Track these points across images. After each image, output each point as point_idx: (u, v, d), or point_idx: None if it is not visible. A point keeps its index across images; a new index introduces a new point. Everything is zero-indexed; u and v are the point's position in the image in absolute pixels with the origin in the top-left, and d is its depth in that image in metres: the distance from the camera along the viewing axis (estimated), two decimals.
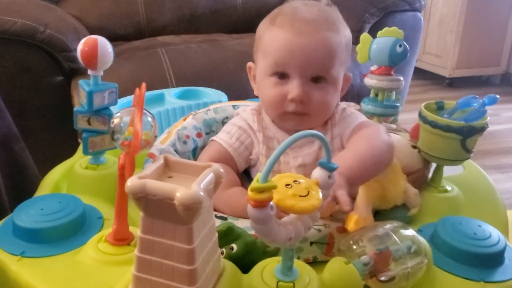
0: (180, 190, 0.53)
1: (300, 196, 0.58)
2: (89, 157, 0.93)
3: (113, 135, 0.69)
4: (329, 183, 0.63)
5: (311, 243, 0.80)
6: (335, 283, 0.66)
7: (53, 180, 0.97)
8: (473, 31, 3.71)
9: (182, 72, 1.81)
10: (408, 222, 0.87)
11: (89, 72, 0.87)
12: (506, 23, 3.81)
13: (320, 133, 0.61)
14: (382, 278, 0.68)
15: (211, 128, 1.10)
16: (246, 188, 0.90)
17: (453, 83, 3.86)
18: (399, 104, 1.22)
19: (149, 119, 0.68)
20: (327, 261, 0.70)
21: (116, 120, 0.68)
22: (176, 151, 1.00)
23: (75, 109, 0.89)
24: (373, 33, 1.21)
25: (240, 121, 1.02)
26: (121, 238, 0.73)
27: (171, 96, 1.40)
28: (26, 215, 0.78)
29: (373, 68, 1.20)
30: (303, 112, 0.93)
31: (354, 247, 0.71)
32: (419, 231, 0.83)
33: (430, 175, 0.98)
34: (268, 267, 0.66)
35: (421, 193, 0.90)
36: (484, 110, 0.87)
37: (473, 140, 0.88)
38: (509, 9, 3.77)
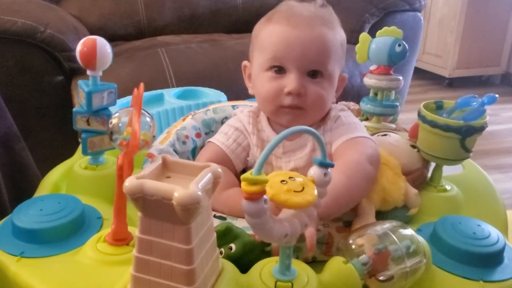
0: (178, 190, 0.53)
1: (295, 191, 0.58)
2: (89, 157, 0.93)
3: (112, 135, 0.69)
4: (325, 181, 0.63)
5: None
6: (334, 282, 0.66)
7: (53, 180, 0.97)
8: (473, 31, 3.71)
9: (182, 72, 1.81)
10: (408, 221, 0.87)
11: (88, 72, 0.87)
12: (506, 23, 3.81)
13: (314, 130, 0.61)
14: (381, 278, 0.68)
15: (210, 128, 1.10)
16: None
17: (453, 83, 3.86)
18: (398, 104, 1.22)
19: (147, 119, 0.68)
20: (326, 261, 0.70)
21: (114, 121, 0.68)
22: (175, 151, 1.00)
23: (74, 109, 0.90)
24: (373, 33, 1.21)
25: (237, 122, 1.02)
26: (120, 238, 0.73)
27: (170, 96, 1.40)
28: (25, 215, 0.79)
29: (372, 67, 1.20)
30: (299, 106, 0.93)
31: (353, 246, 0.71)
32: (418, 231, 0.83)
33: (429, 174, 0.98)
34: (267, 267, 0.66)
35: (420, 193, 0.90)
36: (483, 109, 0.87)
37: (472, 139, 0.88)
38: (509, 9, 3.76)
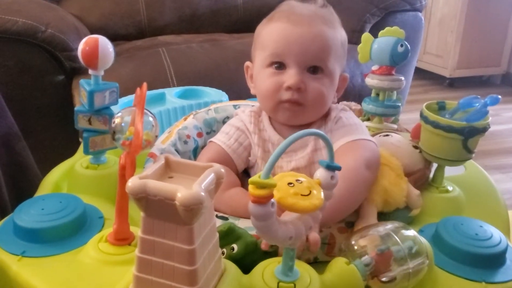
0: (181, 191, 0.53)
1: (301, 195, 0.57)
2: (90, 156, 0.93)
3: (114, 135, 0.68)
4: (331, 184, 0.63)
5: None
6: (336, 283, 0.66)
7: (54, 179, 0.97)
8: (474, 31, 3.70)
9: (183, 71, 1.80)
10: (410, 222, 0.87)
11: (90, 71, 0.86)
12: (507, 23, 3.81)
13: (323, 133, 0.61)
14: (383, 279, 0.68)
15: (211, 127, 1.10)
16: (246, 188, 0.91)
17: (453, 83, 3.86)
18: (400, 104, 1.22)
19: (150, 119, 0.68)
20: (328, 262, 0.70)
21: (117, 120, 0.68)
22: (177, 150, 1.00)
23: (76, 108, 0.89)
24: (374, 33, 1.21)
25: (238, 122, 1.02)
26: (122, 238, 0.73)
27: (171, 95, 1.39)
28: (26, 215, 0.78)
29: (374, 68, 1.20)
30: (298, 102, 0.92)
31: (355, 247, 0.71)
32: (420, 232, 0.83)
33: (431, 175, 0.97)
34: (269, 268, 0.66)
35: (422, 193, 0.90)
36: (486, 110, 0.86)
37: (474, 140, 0.87)
38: (509, 9, 3.76)
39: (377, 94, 1.21)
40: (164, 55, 1.87)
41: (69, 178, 0.96)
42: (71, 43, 1.69)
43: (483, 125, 0.86)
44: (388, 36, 1.16)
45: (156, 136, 0.69)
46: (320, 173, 0.62)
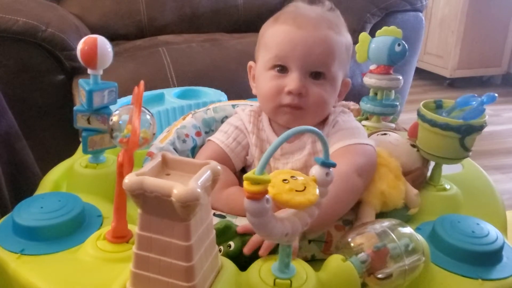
0: (177, 187, 0.54)
1: (296, 191, 0.58)
2: (89, 156, 0.94)
3: (112, 132, 0.69)
4: (326, 181, 0.63)
5: (310, 241, 0.81)
6: (333, 280, 0.66)
7: (53, 178, 0.97)
8: (475, 32, 3.70)
9: (183, 71, 1.81)
10: (407, 220, 0.87)
11: (89, 71, 0.87)
12: (508, 23, 3.80)
13: (318, 130, 0.61)
14: (380, 276, 0.68)
15: (210, 127, 1.10)
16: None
17: (454, 84, 3.86)
18: (398, 103, 1.22)
19: (148, 117, 0.68)
20: (325, 259, 0.70)
21: (114, 118, 0.69)
22: (175, 149, 1.00)
23: (75, 108, 0.90)
24: (374, 33, 1.21)
25: (237, 121, 1.02)
26: (120, 236, 0.73)
27: (170, 96, 1.40)
28: (25, 213, 0.79)
29: (372, 67, 1.20)
30: (299, 106, 0.92)
31: (352, 244, 0.71)
32: (418, 229, 0.83)
33: (428, 173, 0.98)
34: (266, 265, 0.66)
35: (419, 192, 0.90)
36: (482, 108, 0.87)
37: (471, 138, 0.88)
38: (510, 10, 3.76)
39: (375, 94, 1.22)
40: (164, 54, 1.87)
41: (69, 177, 0.96)
42: (71, 43, 1.69)
43: (480, 123, 0.87)
44: (386, 36, 1.16)
45: (154, 134, 0.69)
46: (316, 170, 0.63)
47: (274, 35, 0.95)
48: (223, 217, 0.82)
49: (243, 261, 0.70)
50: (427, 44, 3.94)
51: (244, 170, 1.02)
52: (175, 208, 0.54)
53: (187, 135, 1.04)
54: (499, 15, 3.74)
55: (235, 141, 0.99)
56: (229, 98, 1.38)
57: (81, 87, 0.89)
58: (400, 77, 1.18)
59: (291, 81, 0.91)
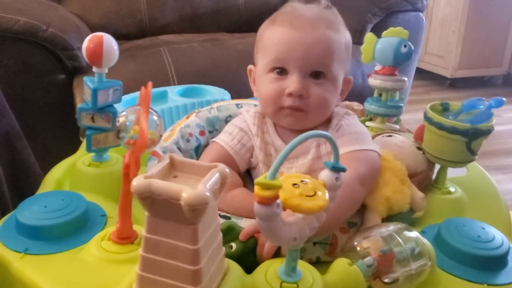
0: (186, 191, 0.53)
1: (306, 196, 0.57)
2: (92, 154, 0.93)
3: (119, 133, 0.68)
4: (336, 185, 0.62)
5: (315, 243, 0.81)
6: (339, 284, 0.66)
7: (56, 177, 0.96)
8: (475, 32, 3.70)
9: (184, 71, 1.80)
10: (412, 223, 0.87)
11: (94, 69, 0.86)
12: (508, 24, 3.81)
13: (329, 134, 0.61)
14: (386, 280, 0.68)
15: (214, 126, 1.09)
16: (248, 189, 0.91)
17: (454, 84, 3.86)
18: (402, 105, 1.22)
19: (155, 118, 0.68)
20: (330, 262, 0.70)
21: (121, 119, 0.68)
22: (179, 149, 1.00)
23: (79, 106, 0.89)
24: (375, 33, 1.20)
25: (242, 123, 1.01)
26: (125, 237, 0.73)
27: (174, 94, 1.39)
28: (29, 212, 0.78)
29: (377, 68, 1.20)
30: (300, 108, 0.92)
31: (358, 248, 0.71)
32: (423, 233, 0.83)
33: (433, 176, 0.97)
34: (272, 268, 0.66)
35: (424, 195, 0.90)
36: (490, 112, 0.86)
37: (478, 142, 0.87)
38: (511, 10, 3.76)
39: (380, 95, 1.21)
40: (165, 54, 1.86)
41: (71, 175, 0.96)
42: (72, 42, 1.69)
43: (488, 127, 0.86)
44: (392, 37, 1.16)
45: (161, 135, 0.69)
46: (325, 174, 0.62)
47: (272, 37, 0.94)
48: (228, 218, 0.82)
49: (246, 263, 0.70)
50: (428, 44, 3.94)
51: (248, 171, 1.01)
52: (183, 211, 0.54)
53: (191, 134, 1.04)
54: (500, 15, 3.74)
55: (240, 143, 0.98)
56: (231, 98, 1.37)
57: (86, 85, 0.88)
58: (405, 79, 1.18)
59: (291, 83, 0.91)
